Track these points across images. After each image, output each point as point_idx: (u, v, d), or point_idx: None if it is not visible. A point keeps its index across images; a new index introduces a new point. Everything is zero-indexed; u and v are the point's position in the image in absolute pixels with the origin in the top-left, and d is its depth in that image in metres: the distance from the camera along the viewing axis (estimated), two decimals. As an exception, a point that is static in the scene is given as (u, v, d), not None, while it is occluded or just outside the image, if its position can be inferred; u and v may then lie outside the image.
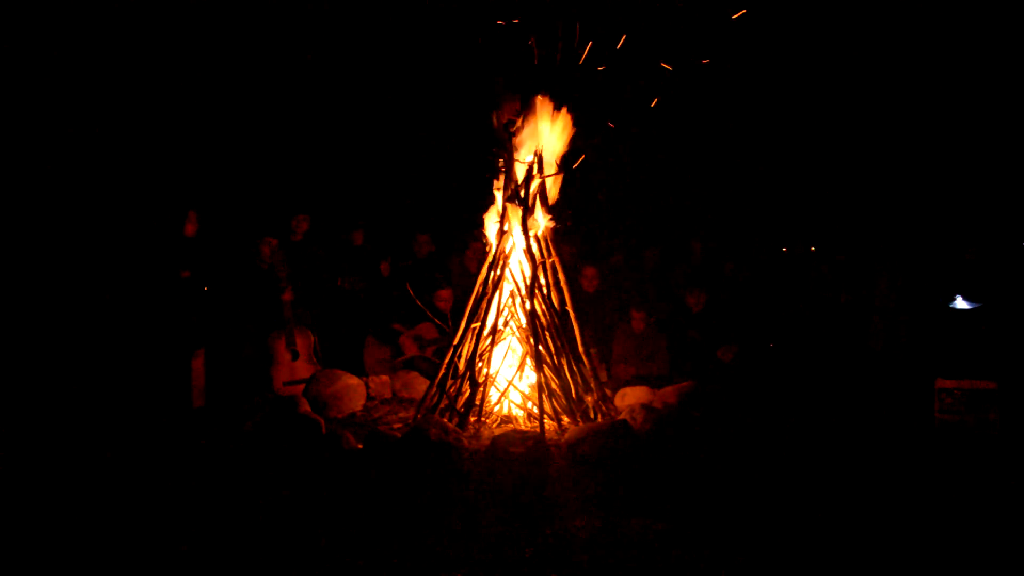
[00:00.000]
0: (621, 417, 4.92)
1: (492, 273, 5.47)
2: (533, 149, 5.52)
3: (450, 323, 6.36)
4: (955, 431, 4.98)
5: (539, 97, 5.43)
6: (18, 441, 4.65)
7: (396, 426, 5.26)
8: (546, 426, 4.94)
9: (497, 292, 5.45)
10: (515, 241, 5.53)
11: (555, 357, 5.31)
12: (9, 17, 6.52)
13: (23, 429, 4.84)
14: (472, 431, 5.03)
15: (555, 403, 5.27)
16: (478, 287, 5.49)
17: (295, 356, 6.15)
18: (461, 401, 5.25)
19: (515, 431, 4.58)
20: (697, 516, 3.61)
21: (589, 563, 3.14)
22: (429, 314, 6.51)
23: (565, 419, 5.21)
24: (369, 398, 5.91)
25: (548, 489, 3.91)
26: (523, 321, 5.44)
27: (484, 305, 5.42)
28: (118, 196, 6.57)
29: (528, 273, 5.39)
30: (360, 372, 6.20)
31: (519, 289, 5.45)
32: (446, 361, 5.38)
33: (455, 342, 5.42)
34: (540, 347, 5.25)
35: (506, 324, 5.55)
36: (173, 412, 5.38)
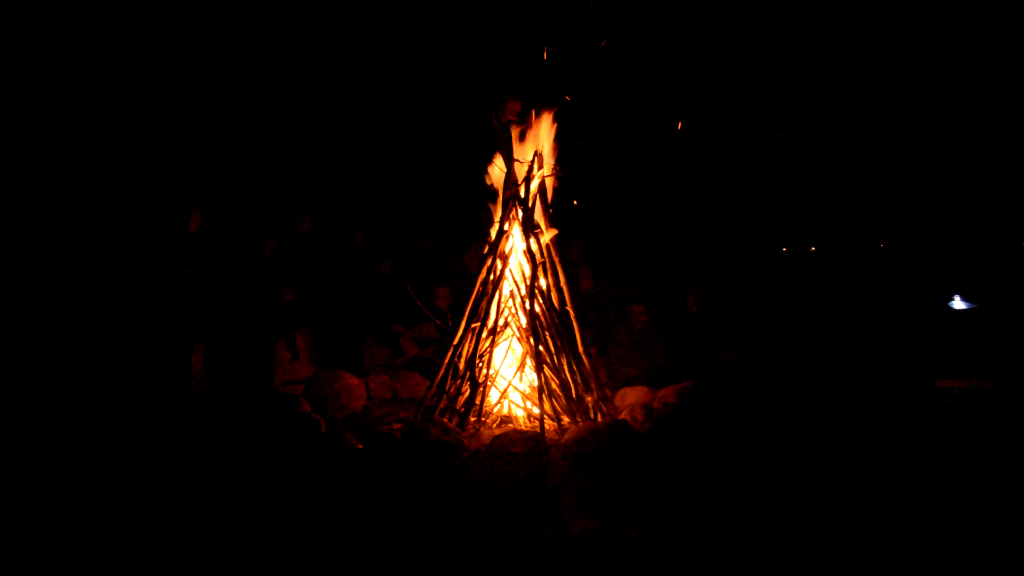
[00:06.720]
0: (621, 417, 4.92)
1: (492, 273, 5.47)
2: (533, 149, 5.52)
3: (449, 322, 6.36)
4: (955, 431, 4.98)
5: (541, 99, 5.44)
6: (15, 441, 4.64)
7: (396, 426, 5.26)
8: (546, 426, 4.95)
9: (497, 292, 5.46)
10: (515, 241, 5.53)
11: (555, 357, 5.31)
12: (17, 15, 6.51)
13: (20, 429, 4.83)
14: (472, 431, 5.03)
15: (555, 403, 5.27)
16: (478, 287, 5.49)
17: (295, 356, 6.14)
18: (461, 401, 5.25)
19: (515, 431, 4.58)
20: (697, 516, 3.61)
21: (589, 563, 3.14)
22: (429, 314, 6.51)
23: (565, 419, 5.21)
24: (369, 398, 5.91)
25: (548, 489, 3.91)
26: (523, 321, 5.44)
27: (484, 305, 5.42)
28: (122, 191, 6.54)
29: (528, 273, 5.39)
30: (360, 372, 6.19)
31: (519, 289, 5.45)
32: (446, 361, 5.38)
33: (455, 342, 5.41)
34: (540, 347, 5.25)
35: (506, 324, 5.55)
36: (173, 412, 5.37)
